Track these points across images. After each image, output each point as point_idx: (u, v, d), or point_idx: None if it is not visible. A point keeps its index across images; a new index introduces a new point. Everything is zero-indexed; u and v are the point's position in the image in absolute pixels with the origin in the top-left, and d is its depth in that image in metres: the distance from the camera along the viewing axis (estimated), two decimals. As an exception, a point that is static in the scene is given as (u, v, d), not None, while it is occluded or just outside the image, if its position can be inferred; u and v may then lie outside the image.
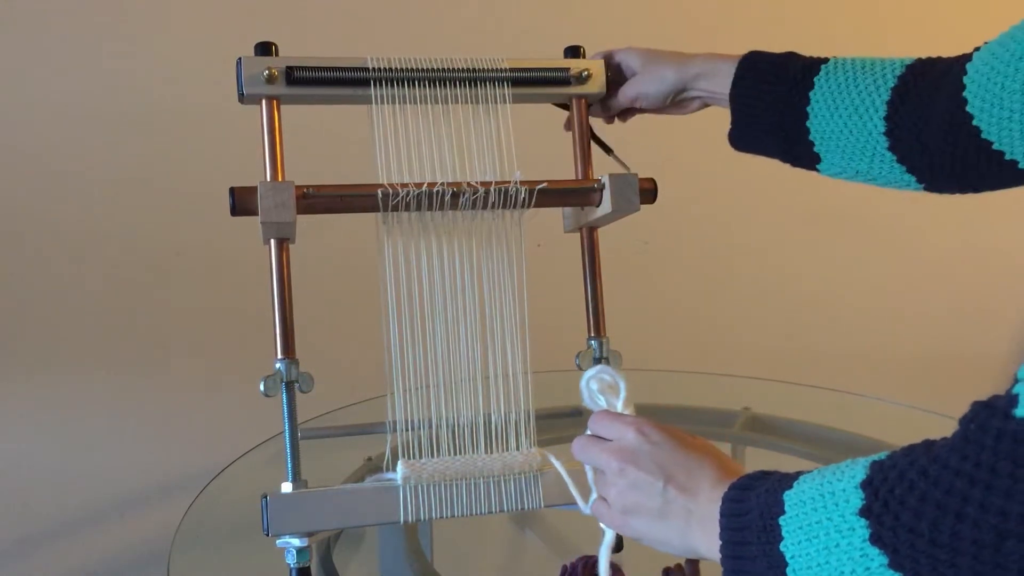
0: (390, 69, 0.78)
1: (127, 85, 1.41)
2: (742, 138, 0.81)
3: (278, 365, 0.75)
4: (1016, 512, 0.33)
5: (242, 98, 0.76)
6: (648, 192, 0.81)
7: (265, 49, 0.76)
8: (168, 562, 0.87)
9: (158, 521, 1.37)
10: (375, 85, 0.78)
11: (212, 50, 1.34)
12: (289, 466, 0.74)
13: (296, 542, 0.73)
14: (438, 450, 0.77)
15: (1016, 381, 0.35)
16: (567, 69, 0.83)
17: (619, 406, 0.69)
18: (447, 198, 0.76)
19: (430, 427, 0.77)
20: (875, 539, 0.38)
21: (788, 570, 0.43)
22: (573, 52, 0.85)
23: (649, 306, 1.40)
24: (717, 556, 0.50)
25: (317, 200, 0.75)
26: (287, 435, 0.75)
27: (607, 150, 0.86)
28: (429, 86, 0.79)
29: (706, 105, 0.84)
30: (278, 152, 0.76)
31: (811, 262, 1.87)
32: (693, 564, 0.84)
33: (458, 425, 0.77)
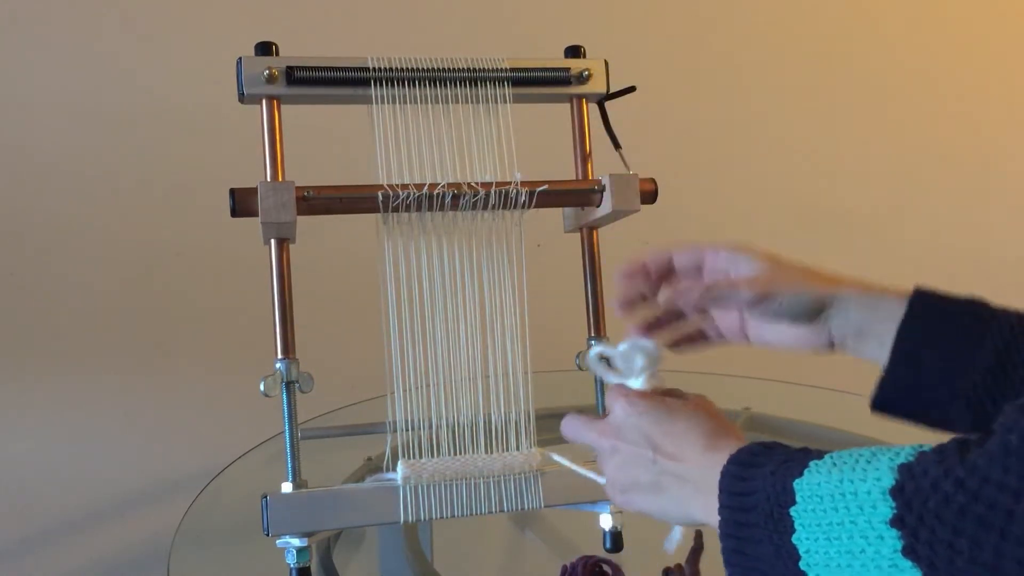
0: (390, 69, 0.78)
1: (127, 85, 1.41)
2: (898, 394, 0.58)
3: (278, 365, 0.75)
4: None
5: (242, 98, 0.76)
6: (648, 192, 0.81)
7: (265, 49, 0.76)
8: (168, 562, 0.87)
9: (158, 521, 1.36)
10: (375, 85, 0.78)
11: (212, 50, 1.34)
12: (289, 466, 0.74)
13: (296, 542, 0.73)
14: (438, 450, 0.77)
15: None
16: (567, 69, 0.83)
17: (635, 380, 0.63)
18: (447, 199, 0.76)
19: (430, 427, 0.77)
20: (908, 551, 0.37)
21: (802, 563, 0.42)
22: (573, 52, 0.85)
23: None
24: (715, 522, 0.48)
25: (317, 202, 0.75)
26: (287, 435, 0.75)
27: (616, 145, 0.85)
28: (429, 86, 0.79)
29: (826, 347, 0.62)
30: (278, 152, 0.76)
31: (811, 262, 1.87)
32: (693, 564, 0.84)
33: (458, 425, 0.77)
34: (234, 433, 1.21)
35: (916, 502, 0.37)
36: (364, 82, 0.78)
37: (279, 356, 0.75)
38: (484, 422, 0.78)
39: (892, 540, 0.37)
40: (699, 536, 0.86)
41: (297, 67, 0.76)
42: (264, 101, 0.76)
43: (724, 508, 0.47)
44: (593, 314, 0.85)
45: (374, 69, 0.78)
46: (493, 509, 0.76)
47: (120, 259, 1.42)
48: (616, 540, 0.82)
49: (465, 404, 0.78)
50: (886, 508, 0.38)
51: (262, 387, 0.74)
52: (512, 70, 0.81)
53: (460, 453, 0.77)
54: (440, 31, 1.56)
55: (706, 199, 1.72)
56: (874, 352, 0.58)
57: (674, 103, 1.68)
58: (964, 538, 0.34)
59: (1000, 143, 2.01)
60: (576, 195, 0.82)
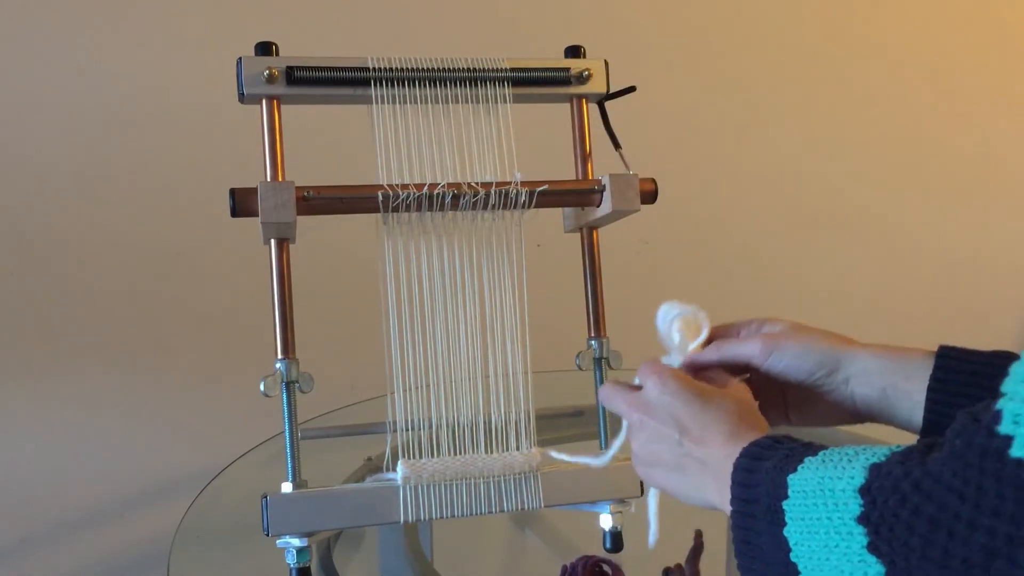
0: (390, 69, 0.78)
1: (127, 85, 1.41)
2: None
3: (278, 365, 0.75)
4: (1003, 532, 0.33)
5: (242, 98, 0.76)
6: (648, 192, 0.81)
7: (265, 49, 0.76)
8: (168, 562, 0.87)
9: (158, 521, 1.36)
10: (375, 85, 0.78)
11: (212, 50, 1.34)
12: (289, 466, 0.74)
13: (296, 542, 0.73)
14: (438, 450, 0.77)
15: (1000, 396, 0.35)
16: (567, 69, 0.83)
17: (678, 353, 0.63)
18: (447, 199, 0.76)
19: (430, 427, 0.77)
20: (873, 548, 0.39)
21: (792, 556, 0.44)
22: (573, 52, 0.85)
23: (649, 306, 1.39)
24: (728, 510, 0.50)
25: (317, 202, 0.75)
26: (287, 435, 0.75)
27: (616, 145, 0.85)
28: (429, 86, 0.79)
29: (857, 414, 0.61)
30: (278, 152, 0.76)
31: (811, 262, 1.87)
32: (693, 564, 0.85)
33: (458, 425, 0.77)
34: (234, 433, 1.21)
35: (880, 500, 0.38)
36: (364, 82, 0.78)
37: (279, 356, 0.75)
38: (484, 422, 0.78)
39: (860, 536, 0.39)
40: (699, 536, 0.86)
41: (297, 67, 0.76)
42: (264, 101, 0.76)
43: (734, 499, 0.49)
44: (593, 314, 0.85)
45: (374, 69, 0.78)
46: (493, 509, 0.76)
47: (120, 259, 1.42)
48: (616, 540, 0.82)
49: (465, 404, 0.78)
50: (855, 505, 0.39)
51: (262, 387, 0.74)
52: (512, 70, 0.81)
53: (460, 453, 0.77)
54: (440, 31, 1.56)
55: (706, 199, 1.72)
56: (903, 414, 0.57)
57: (674, 103, 1.68)
58: (917, 536, 0.36)
59: (1002, 143, 2.01)
60: (576, 195, 0.82)
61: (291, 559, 0.73)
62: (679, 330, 0.64)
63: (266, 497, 0.72)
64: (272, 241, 0.76)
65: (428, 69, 0.79)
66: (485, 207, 0.78)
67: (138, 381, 1.43)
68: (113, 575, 1.42)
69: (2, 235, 1.37)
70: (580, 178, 0.85)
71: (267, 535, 0.72)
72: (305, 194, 0.74)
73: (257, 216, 0.72)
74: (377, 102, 0.78)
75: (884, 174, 1.89)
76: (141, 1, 1.42)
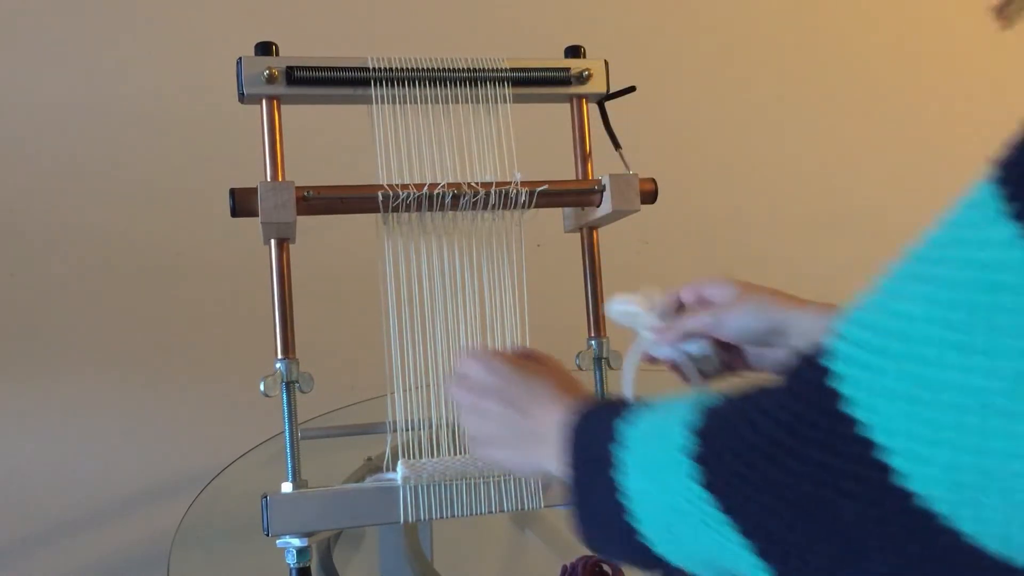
0: (390, 69, 0.78)
1: (127, 85, 1.41)
2: None
3: (278, 365, 0.75)
4: (821, 461, 0.34)
5: (242, 98, 0.76)
6: (648, 192, 0.81)
7: (265, 49, 0.76)
8: (168, 562, 0.87)
9: (158, 521, 1.37)
10: (375, 85, 0.78)
11: (212, 50, 1.34)
12: (289, 466, 0.74)
13: (296, 542, 0.73)
14: (438, 450, 0.77)
15: (831, 333, 0.36)
16: (567, 69, 0.83)
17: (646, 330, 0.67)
18: (447, 199, 0.76)
19: (430, 427, 0.77)
20: (707, 483, 0.39)
21: (626, 500, 0.44)
22: (573, 52, 0.85)
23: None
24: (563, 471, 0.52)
25: (317, 202, 0.75)
26: (287, 435, 0.75)
27: (616, 145, 0.85)
28: (429, 86, 0.79)
29: None
30: (278, 152, 0.76)
31: (811, 262, 1.87)
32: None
33: (458, 425, 0.77)
34: (234, 433, 1.21)
35: (712, 437, 0.40)
36: (364, 82, 0.78)
37: (279, 356, 0.75)
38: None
39: (690, 472, 0.40)
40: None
41: (297, 67, 0.76)
42: (264, 101, 0.76)
43: (566, 455, 0.51)
44: (593, 314, 0.85)
45: (374, 69, 0.78)
46: (493, 509, 0.76)
47: (120, 259, 1.42)
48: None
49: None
50: (687, 443, 0.41)
51: (262, 387, 0.74)
52: (512, 70, 0.81)
53: (460, 453, 0.77)
54: (440, 31, 1.56)
55: (706, 199, 1.72)
56: None
57: (674, 103, 1.69)
58: (747, 468, 0.37)
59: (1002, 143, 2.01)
60: (576, 195, 0.82)
61: (291, 559, 0.73)
62: (645, 309, 0.68)
63: (266, 497, 0.72)
64: (272, 241, 0.76)
65: (428, 69, 0.79)
66: (485, 207, 0.78)
67: (138, 381, 1.43)
68: (113, 575, 1.42)
69: (2, 235, 1.37)
70: (580, 178, 0.85)
71: (267, 535, 0.72)
72: (305, 194, 0.74)
73: (257, 216, 0.72)
74: (377, 102, 0.78)
75: (885, 174, 1.89)
76: (141, 1, 1.43)
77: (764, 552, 0.36)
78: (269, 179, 0.75)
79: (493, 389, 0.60)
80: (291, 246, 0.77)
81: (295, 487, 0.74)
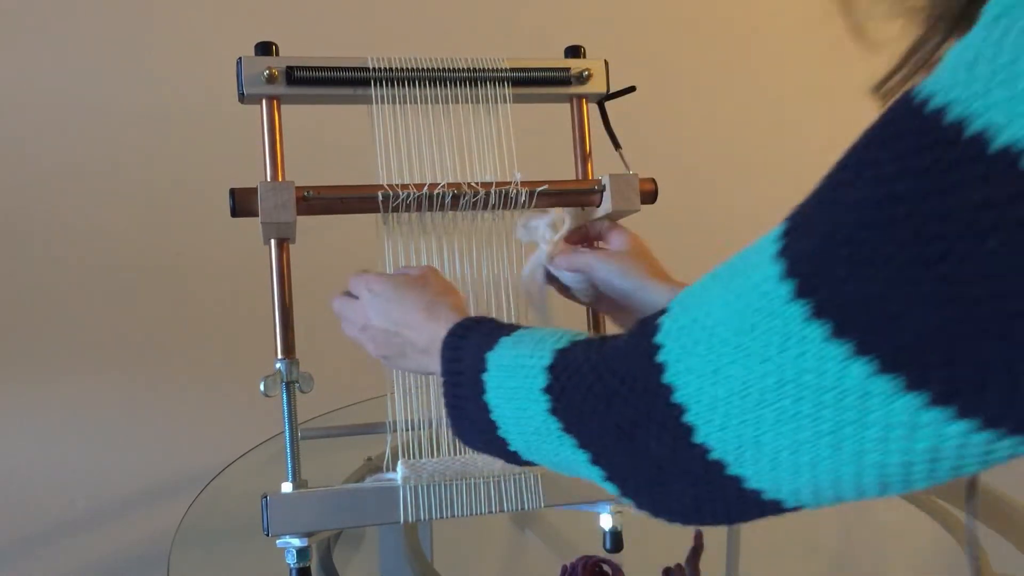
0: (390, 69, 0.78)
1: (127, 85, 1.41)
2: None
3: (278, 365, 0.75)
4: (647, 416, 0.42)
5: (242, 98, 0.76)
6: (648, 192, 0.81)
7: (265, 49, 0.76)
8: (168, 562, 0.87)
9: (158, 521, 1.37)
10: (375, 85, 0.78)
11: (212, 50, 1.34)
12: (289, 466, 0.74)
13: (296, 542, 0.73)
14: (438, 450, 0.77)
15: (666, 310, 0.43)
16: (567, 69, 0.83)
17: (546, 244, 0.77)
18: (447, 199, 0.76)
19: (430, 427, 0.77)
20: (555, 412, 0.49)
21: (493, 416, 0.54)
22: (573, 52, 0.85)
23: (649, 306, 1.39)
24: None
25: (317, 202, 0.75)
26: (287, 435, 0.75)
27: (616, 145, 0.85)
28: (429, 86, 0.79)
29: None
30: (278, 152, 0.76)
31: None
32: (693, 564, 0.84)
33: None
34: (234, 433, 1.21)
35: (562, 376, 0.49)
36: (364, 82, 0.78)
37: (279, 356, 0.75)
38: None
39: (545, 403, 0.49)
40: (699, 536, 0.86)
41: (297, 67, 0.76)
42: (264, 101, 0.76)
43: (444, 372, 0.59)
44: (593, 314, 0.85)
45: (374, 69, 0.78)
46: (493, 509, 0.76)
47: (120, 259, 1.42)
48: (616, 540, 0.82)
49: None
50: (543, 379, 0.50)
51: (262, 387, 0.75)
52: (512, 70, 0.81)
53: (460, 453, 0.77)
54: (440, 31, 1.56)
55: (706, 199, 1.72)
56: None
57: (674, 103, 1.69)
58: (587, 405, 0.46)
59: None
60: (576, 195, 0.82)
61: (291, 559, 0.73)
62: (549, 225, 0.78)
63: (266, 497, 0.72)
64: (272, 241, 0.76)
65: (428, 69, 0.79)
66: (485, 207, 0.78)
67: (138, 381, 1.43)
68: (113, 575, 1.42)
69: (2, 235, 1.37)
70: (580, 178, 0.85)
71: (267, 535, 0.72)
72: (305, 194, 0.74)
73: (257, 216, 0.72)
74: (377, 102, 0.78)
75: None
76: (141, 1, 1.43)
77: (596, 460, 0.47)
78: (269, 179, 0.75)
79: (376, 309, 0.68)
80: (291, 246, 0.77)
81: (295, 487, 0.74)
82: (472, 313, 0.64)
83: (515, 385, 0.52)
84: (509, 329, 0.57)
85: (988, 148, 0.30)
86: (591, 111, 0.85)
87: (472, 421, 0.57)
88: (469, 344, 0.58)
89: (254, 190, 0.73)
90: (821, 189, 0.37)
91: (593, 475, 0.48)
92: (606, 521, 0.82)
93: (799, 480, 0.37)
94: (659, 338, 0.42)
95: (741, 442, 0.38)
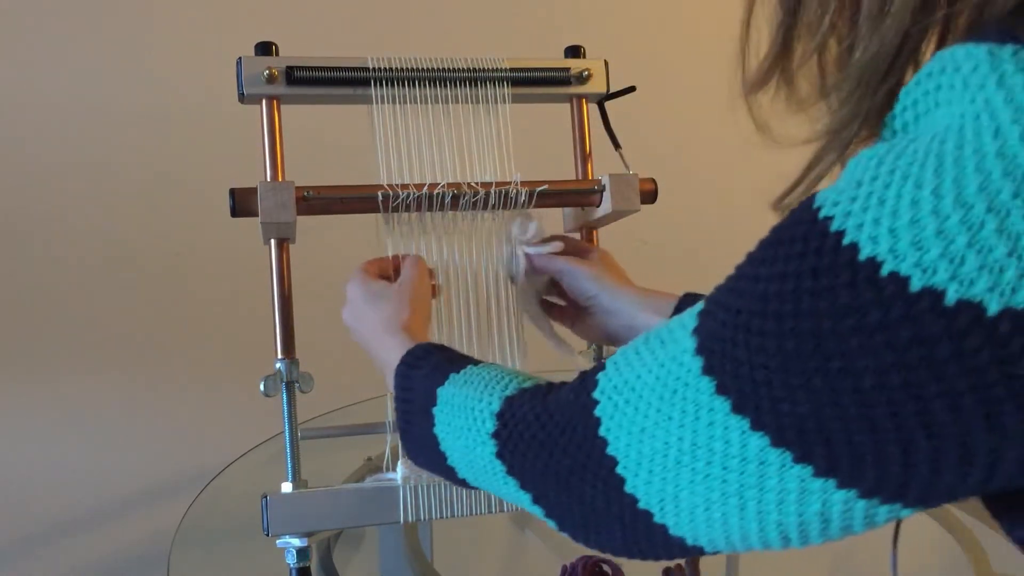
0: (390, 69, 0.78)
1: (127, 85, 1.41)
2: None
3: (278, 365, 0.75)
4: (584, 464, 0.46)
5: (242, 98, 0.76)
6: (648, 192, 0.81)
7: (265, 49, 0.76)
8: (168, 562, 0.87)
9: (158, 521, 1.37)
10: (375, 85, 0.78)
11: (213, 50, 1.34)
12: (289, 466, 0.74)
13: (296, 542, 0.73)
14: (438, 450, 0.77)
15: (603, 367, 0.46)
16: (567, 69, 0.83)
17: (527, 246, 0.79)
18: (447, 199, 0.76)
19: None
20: (500, 456, 0.52)
21: (442, 447, 0.58)
22: (573, 52, 0.85)
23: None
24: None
25: (317, 202, 0.75)
26: (287, 435, 0.75)
27: (616, 145, 0.85)
28: (429, 86, 0.79)
29: (610, 338, 0.80)
30: (278, 152, 0.76)
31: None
32: (693, 565, 0.84)
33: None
34: (234, 433, 1.20)
35: (508, 424, 0.52)
36: (364, 82, 0.78)
37: (279, 356, 0.75)
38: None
39: (491, 447, 0.53)
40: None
41: (297, 67, 0.76)
42: (264, 101, 0.76)
43: (396, 398, 0.62)
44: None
45: (374, 69, 0.78)
46: (493, 509, 0.76)
47: (120, 259, 1.42)
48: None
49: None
50: (491, 424, 0.53)
51: (262, 387, 0.74)
52: (512, 70, 0.81)
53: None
54: (440, 31, 1.56)
55: (706, 199, 1.72)
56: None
57: (674, 103, 1.68)
58: (530, 452, 0.50)
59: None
60: (576, 195, 0.82)
61: (291, 559, 0.73)
62: (535, 231, 0.79)
63: (266, 497, 0.72)
64: (272, 241, 0.76)
65: (428, 69, 0.79)
66: (485, 207, 0.78)
67: (138, 381, 1.43)
68: (113, 575, 1.42)
69: (2, 235, 1.37)
70: (580, 178, 0.85)
71: (267, 535, 0.72)
72: (305, 194, 0.74)
73: (257, 216, 0.72)
74: (377, 102, 0.78)
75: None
76: (141, 1, 1.42)
77: (537, 500, 0.50)
78: (269, 179, 0.75)
79: (352, 312, 0.72)
80: (291, 246, 0.77)
81: (295, 487, 0.74)
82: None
83: (463, 425, 0.55)
84: (459, 364, 0.60)
85: (857, 256, 0.34)
86: (591, 111, 0.85)
87: (423, 447, 0.60)
88: (419, 376, 0.61)
89: (254, 190, 0.72)
90: (733, 276, 0.41)
91: (535, 511, 0.52)
92: (606, 521, 0.82)
93: (713, 532, 0.41)
94: (596, 393, 0.46)
95: (663, 496, 0.42)
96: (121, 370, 1.42)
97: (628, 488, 0.43)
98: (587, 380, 0.47)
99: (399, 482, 0.75)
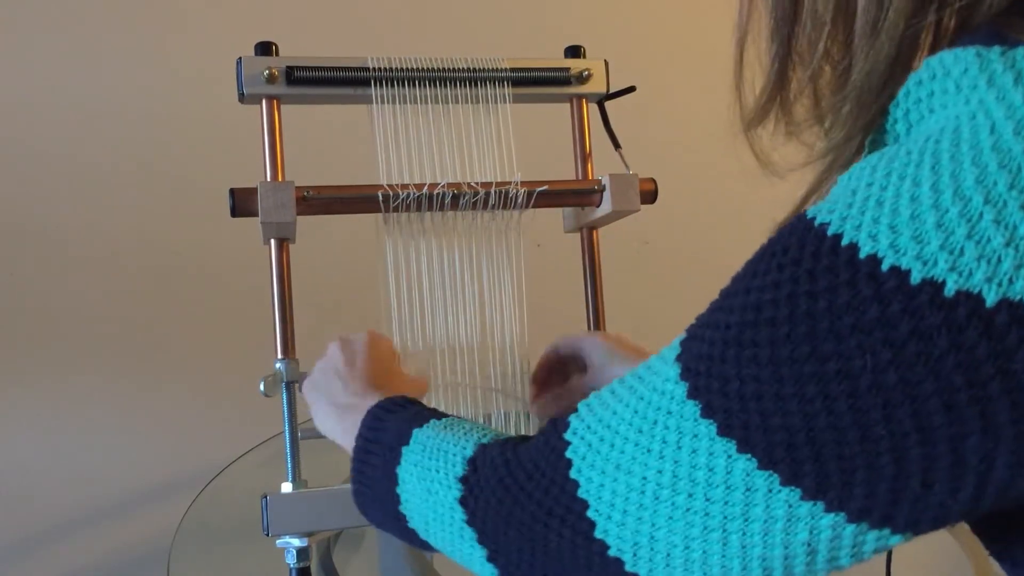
0: (390, 69, 0.78)
1: (127, 85, 1.41)
2: None
3: (278, 365, 0.75)
4: (545, 507, 0.44)
5: (242, 98, 0.76)
6: (648, 192, 0.81)
7: (265, 49, 0.76)
8: (168, 562, 0.87)
9: (158, 521, 1.36)
10: (375, 85, 0.78)
11: (212, 50, 1.34)
12: (289, 466, 0.74)
13: (296, 542, 0.73)
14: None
15: (575, 411, 0.45)
16: (567, 69, 0.83)
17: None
18: (447, 199, 0.76)
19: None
20: (463, 502, 0.50)
21: (399, 490, 0.55)
22: (573, 52, 0.85)
23: (649, 306, 1.40)
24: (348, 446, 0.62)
25: (317, 202, 0.75)
26: (287, 435, 0.75)
27: (616, 145, 0.85)
28: (429, 86, 0.79)
29: None
30: (278, 152, 0.76)
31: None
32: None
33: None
34: (234, 433, 1.20)
35: (479, 470, 0.50)
36: (364, 82, 0.78)
37: (279, 356, 0.75)
38: (484, 421, 0.78)
39: (456, 491, 0.51)
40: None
41: (297, 67, 0.76)
42: (264, 101, 0.76)
43: (359, 438, 0.60)
44: (593, 314, 0.85)
45: (374, 69, 0.78)
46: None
47: (120, 259, 1.42)
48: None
49: (464, 403, 0.78)
50: (461, 468, 0.51)
51: (262, 387, 0.74)
52: (512, 70, 0.81)
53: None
54: (440, 31, 1.56)
55: (706, 199, 1.72)
56: None
57: (674, 103, 1.68)
58: (495, 499, 0.47)
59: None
60: (576, 195, 0.82)
61: (291, 559, 0.73)
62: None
63: (266, 497, 0.72)
64: (272, 241, 0.76)
65: (428, 69, 0.79)
66: (485, 207, 0.78)
67: (138, 381, 1.43)
68: (113, 575, 1.42)
69: (2, 235, 1.37)
70: (580, 178, 0.85)
71: (267, 535, 0.72)
72: (305, 194, 0.74)
73: (257, 216, 0.72)
74: (377, 102, 0.78)
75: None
76: (142, 1, 1.43)
77: (492, 558, 0.48)
78: (269, 179, 0.75)
79: (321, 372, 0.70)
80: (291, 246, 0.77)
81: (295, 487, 0.74)
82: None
83: (433, 465, 0.54)
84: (442, 415, 0.59)
85: (857, 255, 0.34)
86: (591, 111, 0.85)
87: (375, 492, 0.58)
88: (397, 417, 0.59)
89: (254, 190, 0.72)
90: (717, 300, 0.40)
91: (485, 572, 0.50)
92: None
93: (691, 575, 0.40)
94: (568, 435, 0.44)
95: (637, 539, 0.40)
96: (121, 370, 1.42)
97: (598, 533, 0.42)
98: (558, 423, 0.46)
99: (399, 482, 0.75)
